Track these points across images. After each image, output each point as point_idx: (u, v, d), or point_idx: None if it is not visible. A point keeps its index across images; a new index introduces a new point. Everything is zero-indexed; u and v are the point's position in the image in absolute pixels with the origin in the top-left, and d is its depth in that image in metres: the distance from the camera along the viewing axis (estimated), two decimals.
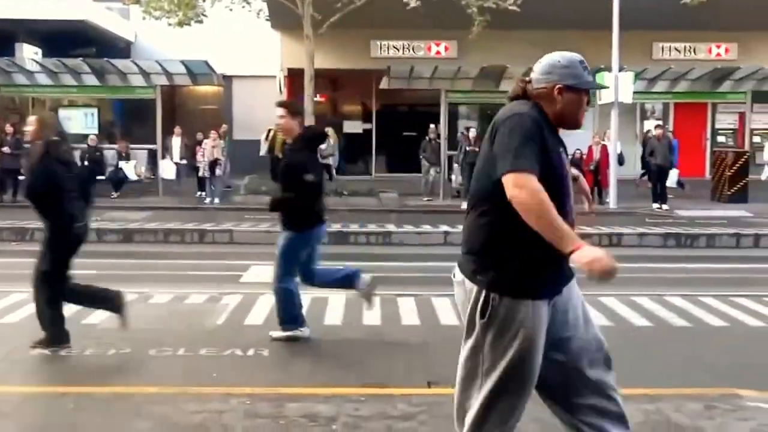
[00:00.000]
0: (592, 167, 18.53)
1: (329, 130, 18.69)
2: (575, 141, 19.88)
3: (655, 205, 17.70)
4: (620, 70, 17.83)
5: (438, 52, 22.08)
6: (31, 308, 6.97)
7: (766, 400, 4.69)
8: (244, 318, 6.83)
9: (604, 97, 18.35)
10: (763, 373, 5.57)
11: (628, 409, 4.42)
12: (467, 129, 19.27)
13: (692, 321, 7.16)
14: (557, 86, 3.06)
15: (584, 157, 18.73)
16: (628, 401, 4.61)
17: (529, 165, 2.86)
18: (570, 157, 3.58)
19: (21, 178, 17.90)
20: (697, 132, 22.54)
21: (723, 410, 4.51)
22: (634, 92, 18.52)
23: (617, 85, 17.70)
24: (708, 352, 6.27)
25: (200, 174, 18.50)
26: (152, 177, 19.82)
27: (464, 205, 3.28)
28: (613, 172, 18.04)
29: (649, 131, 19.54)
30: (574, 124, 3.15)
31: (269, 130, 20.85)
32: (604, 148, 18.60)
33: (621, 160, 18.63)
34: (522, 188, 2.82)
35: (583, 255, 2.77)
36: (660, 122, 20.65)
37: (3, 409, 4.40)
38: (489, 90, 19.86)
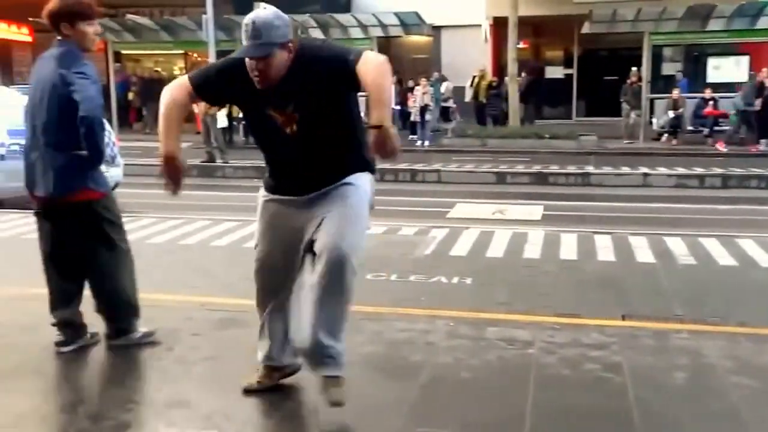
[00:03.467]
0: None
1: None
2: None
3: None
4: None
5: None
6: None
7: None
8: (449, 249, 6.93)
9: None
10: None
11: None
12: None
13: None
14: None
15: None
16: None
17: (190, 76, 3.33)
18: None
19: None
20: None
21: None
22: None
23: None
24: None
25: (412, 118, 18.80)
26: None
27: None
28: None
29: None
30: None
31: (474, 77, 20.71)
32: None
33: None
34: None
35: None
36: None
37: (245, 318, 4.78)
38: (695, 30, 18.43)
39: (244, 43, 3.04)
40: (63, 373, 3.98)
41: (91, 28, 3.99)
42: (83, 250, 4.08)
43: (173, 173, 3.31)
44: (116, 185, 10.49)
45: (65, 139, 3.88)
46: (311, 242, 3.22)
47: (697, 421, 3.37)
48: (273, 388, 3.59)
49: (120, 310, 4.21)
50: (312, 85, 3.09)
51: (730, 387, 3.70)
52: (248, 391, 3.56)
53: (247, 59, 3.07)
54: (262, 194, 3.43)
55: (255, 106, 3.23)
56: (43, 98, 3.92)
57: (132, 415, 3.44)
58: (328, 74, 3.07)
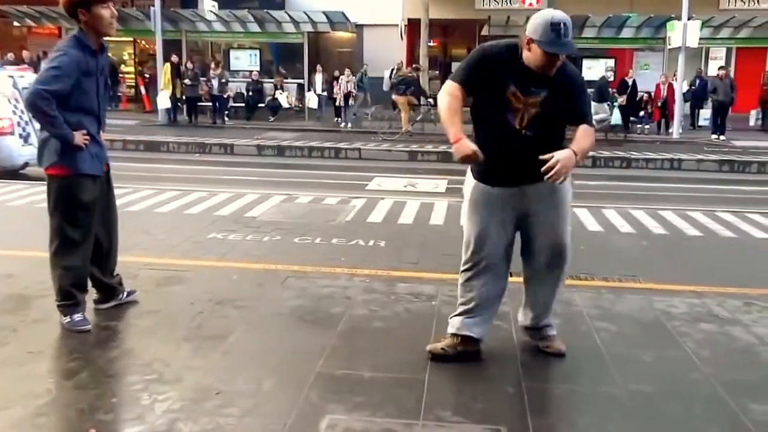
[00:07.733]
0: (659, 103, 17.50)
1: None
2: (646, 79, 18.71)
3: (714, 136, 16.56)
4: (689, 18, 16.48)
5: (530, 4, 20.92)
6: (208, 203, 7.31)
7: None
8: (367, 216, 6.89)
9: (673, 42, 17.09)
10: None
11: (675, 302, 4.28)
12: None
13: (738, 233, 6.68)
14: (527, 38, 3.00)
15: (651, 95, 17.71)
16: (677, 296, 4.46)
17: (457, 77, 3.09)
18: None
19: (200, 104, 18.46)
20: (756, 73, 20.64)
21: (761, 307, 4.27)
22: (701, 38, 17.12)
23: (685, 32, 16.41)
24: (751, 258, 5.87)
25: (337, 104, 18.59)
26: (300, 105, 20.05)
27: None
28: (678, 108, 16.93)
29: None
30: (541, 72, 3.03)
31: (391, 69, 20.57)
32: (671, 86, 17.44)
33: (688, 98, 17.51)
34: (441, 91, 3.08)
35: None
36: (723, 64, 19.07)
37: (185, 276, 4.65)
38: (575, 37, 18.90)
39: (552, 39, 2.91)
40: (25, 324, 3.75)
41: (107, 12, 3.49)
42: None
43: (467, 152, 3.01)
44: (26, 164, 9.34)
45: None
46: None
47: (567, 358, 3.44)
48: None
49: None
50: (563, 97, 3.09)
51: (593, 330, 3.82)
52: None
53: (549, 52, 2.95)
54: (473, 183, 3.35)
55: (502, 90, 3.07)
56: None
57: (77, 363, 3.26)
58: (574, 103, 3.13)
